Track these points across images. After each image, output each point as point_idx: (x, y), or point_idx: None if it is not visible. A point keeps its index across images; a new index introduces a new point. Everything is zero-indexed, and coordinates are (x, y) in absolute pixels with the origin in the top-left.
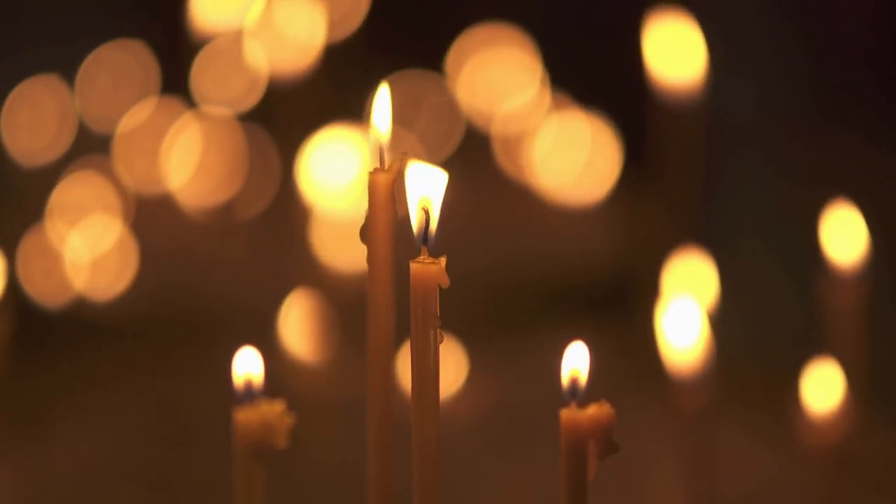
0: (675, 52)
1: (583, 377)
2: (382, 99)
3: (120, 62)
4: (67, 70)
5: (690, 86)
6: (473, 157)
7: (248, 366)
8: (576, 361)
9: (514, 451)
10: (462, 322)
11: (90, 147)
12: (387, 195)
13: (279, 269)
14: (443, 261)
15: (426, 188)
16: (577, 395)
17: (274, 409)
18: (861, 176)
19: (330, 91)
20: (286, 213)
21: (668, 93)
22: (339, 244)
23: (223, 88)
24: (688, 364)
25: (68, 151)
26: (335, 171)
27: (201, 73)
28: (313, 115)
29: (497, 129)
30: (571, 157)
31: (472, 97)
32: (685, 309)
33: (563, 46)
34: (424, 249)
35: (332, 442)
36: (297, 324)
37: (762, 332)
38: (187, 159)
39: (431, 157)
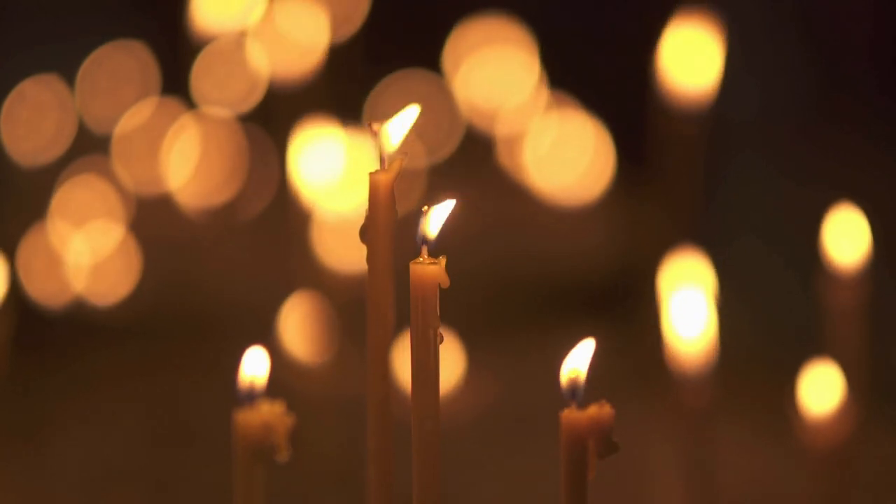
0: (686, 55)
1: (582, 377)
2: (407, 118)
3: (120, 62)
4: (67, 70)
5: (698, 88)
6: (473, 156)
7: (255, 366)
8: (578, 360)
9: (514, 451)
10: (461, 322)
11: (90, 147)
12: (387, 195)
13: (279, 270)
14: (443, 261)
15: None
16: (577, 396)
17: (274, 411)
18: (862, 176)
19: (330, 91)
20: (286, 213)
21: (671, 93)
22: (340, 244)
23: (224, 89)
24: (688, 363)
25: (68, 151)
26: (334, 171)
27: (202, 75)
28: (313, 115)
29: (497, 129)
30: (571, 157)
31: (472, 96)
32: (691, 300)
33: (562, 45)
34: (424, 249)
35: (332, 442)
36: (298, 324)
37: (762, 332)
38: (187, 160)
39: (431, 157)
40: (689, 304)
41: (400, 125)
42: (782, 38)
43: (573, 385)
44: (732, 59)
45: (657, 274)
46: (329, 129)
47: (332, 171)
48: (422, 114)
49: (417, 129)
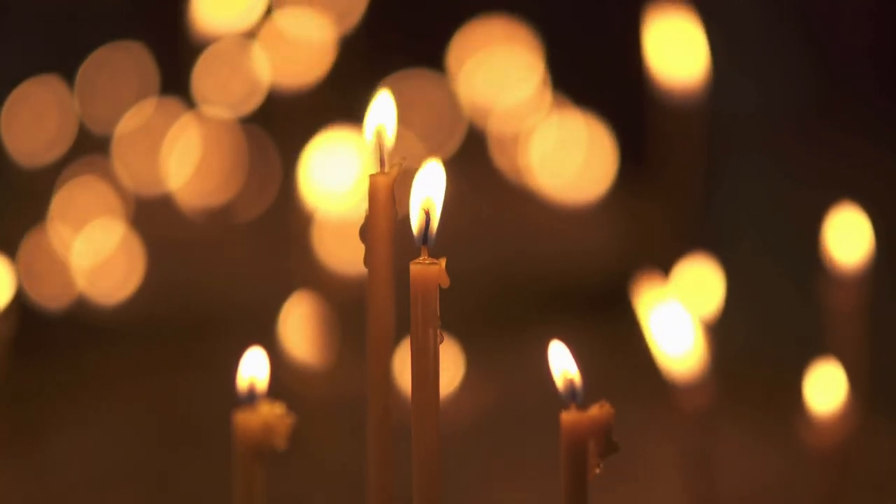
0: (676, 51)
1: (577, 378)
2: (384, 103)
3: (120, 63)
4: (67, 71)
5: (692, 85)
6: (473, 156)
7: (254, 368)
8: (562, 363)
9: (514, 451)
10: (460, 322)
11: (90, 148)
12: (387, 197)
13: (280, 271)
14: (443, 261)
15: (429, 189)
16: (577, 396)
17: (274, 411)
18: (862, 176)
19: (330, 91)
20: (287, 214)
21: (669, 92)
22: (340, 245)
23: (225, 91)
24: (688, 364)
25: (68, 152)
26: (335, 171)
27: (203, 76)
28: (313, 115)
29: (497, 129)
30: (571, 157)
31: (473, 95)
32: (673, 315)
33: (563, 45)
34: (424, 250)
35: (332, 442)
36: (298, 325)
37: (764, 332)
38: (187, 160)
39: (431, 156)
40: (672, 320)
41: (384, 116)
42: (782, 37)
43: (571, 386)
44: (731, 59)
45: (658, 274)
46: (330, 129)
47: (334, 171)
48: (422, 113)
49: (418, 129)
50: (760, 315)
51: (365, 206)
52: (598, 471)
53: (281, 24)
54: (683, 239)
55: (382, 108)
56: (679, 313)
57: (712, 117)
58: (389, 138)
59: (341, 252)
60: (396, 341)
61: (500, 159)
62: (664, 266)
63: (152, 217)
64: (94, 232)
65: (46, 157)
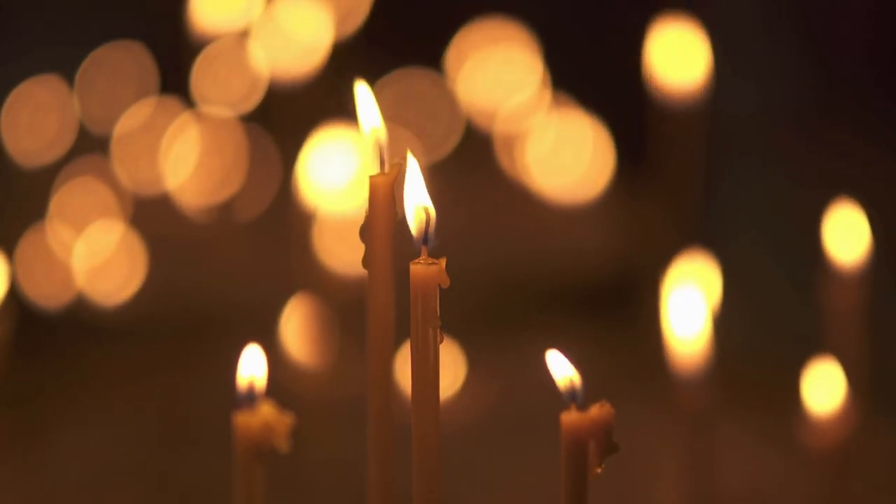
0: (677, 53)
1: (577, 379)
2: (365, 98)
3: (119, 63)
4: (67, 70)
5: (692, 86)
6: (473, 156)
7: (252, 366)
8: (561, 368)
9: (513, 452)
10: (460, 322)
11: (90, 147)
12: (387, 197)
13: (280, 271)
14: (443, 261)
15: (421, 192)
16: (577, 397)
17: (274, 411)
18: (861, 175)
19: (330, 90)
20: (287, 214)
21: (669, 92)
22: (340, 245)
23: (224, 90)
24: (688, 363)
25: (68, 152)
26: (335, 171)
27: (202, 75)
28: (313, 114)
29: (497, 128)
30: (571, 157)
31: (472, 95)
32: (689, 298)
33: (563, 45)
34: (424, 250)
35: (332, 442)
36: (298, 325)
37: (763, 331)
38: (187, 159)
39: (430, 156)
40: (687, 304)
41: (367, 111)
42: (782, 37)
43: (572, 388)
44: (731, 59)
45: (657, 274)
46: (330, 128)
47: (333, 171)
48: (422, 113)
49: (416, 128)
50: (760, 314)
51: (365, 206)
52: (598, 471)
53: (281, 23)
54: (683, 238)
55: (365, 101)
56: (695, 297)
57: (712, 117)
58: (382, 132)
59: (341, 252)
60: (396, 341)
61: (499, 159)
62: (665, 265)
63: (152, 217)
64: (93, 231)
65: (46, 157)
